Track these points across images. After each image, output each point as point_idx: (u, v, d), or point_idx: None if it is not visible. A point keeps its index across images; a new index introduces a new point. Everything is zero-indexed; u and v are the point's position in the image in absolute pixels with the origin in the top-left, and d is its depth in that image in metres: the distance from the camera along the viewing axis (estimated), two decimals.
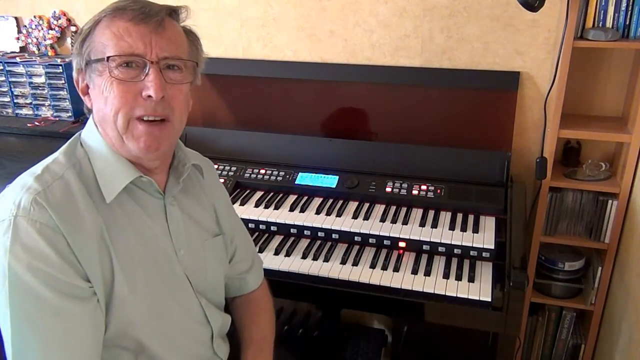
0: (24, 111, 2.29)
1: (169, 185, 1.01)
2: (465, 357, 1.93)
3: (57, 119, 2.23)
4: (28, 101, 2.26)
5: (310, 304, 2.01)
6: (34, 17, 2.29)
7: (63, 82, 2.17)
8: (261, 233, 1.66)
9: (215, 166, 1.82)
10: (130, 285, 0.90)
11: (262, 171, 1.83)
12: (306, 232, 1.62)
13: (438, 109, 1.90)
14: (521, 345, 1.98)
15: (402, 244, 1.55)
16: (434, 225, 1.58)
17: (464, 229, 1.55)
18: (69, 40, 2.32)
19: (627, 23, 1.57)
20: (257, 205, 1.71)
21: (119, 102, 0.86)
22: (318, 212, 1.66)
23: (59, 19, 2.26)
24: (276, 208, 1.69)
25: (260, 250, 1.56)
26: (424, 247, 1.54)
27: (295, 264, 1.50)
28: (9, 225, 0.80)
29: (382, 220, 1.61)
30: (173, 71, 0.90)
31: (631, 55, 1.72)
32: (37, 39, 2.31)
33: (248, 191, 1.80)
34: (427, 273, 1.45)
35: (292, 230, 1.63)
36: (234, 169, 1.85)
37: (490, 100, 1.84)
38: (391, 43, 1.92)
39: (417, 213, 1.64)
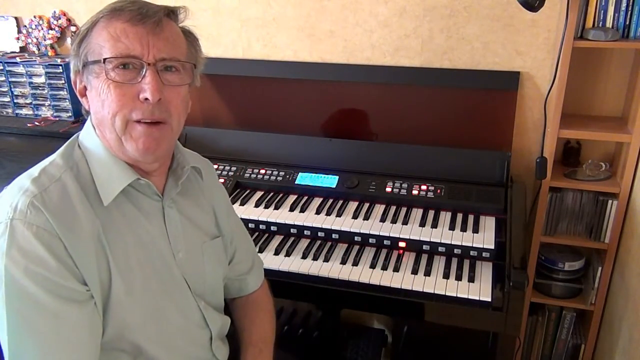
0: (24, 111, 2.29)
1: (168, 187, 1.00)
2: (465, 357, 1.93)
3: (57, 119, 2.23)
4: (28, 101, 2.26)
5: (310, 304, 2.01)
6: (34, 17, 2.29)
7: (63, 82, 2.17)
8: (261, 233, 1.66)
9: (215, 166, 1.83)
10: (127, 288, 0.90)
11: (262, 171, 1.82)
12: (306, 232, 1.62)
13: (438, 109, 1.90)
14: (521, 345, 1.98)
15: (402, 244, 1.55)
16: (434, 225, 1.58)
17: (464, 229, 1.55)
18: (69, 40, 2.32)
19: (627, 23, 1.57)
20: (257, 205, 1.71)
21: (116, 106, 0.85)
22: (318, 212, 1.66)
23: (59, 19, 2.26)
24: (276, 208, 1.69)
25: (260, 250, 1.56)
26: (424, 247, 1.54)
27: (295, 264, 1.50)
28: (5, 229, 0.80)
29: (382, 220, 1.61)
30: (171, 73, 0.89)
31: (631, 55, 1.72)
32: (37, 39, 2.31)
33: (248, 191, 1.80)
34: (427, 273, 1.45)
35: (292, 230, 1.63)
36: (234, 169, 1.85)
37: (490, 100, 1.84)
38: (391, 43, 1.92)
39: (417, 213, 1.64)
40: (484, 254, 1.50)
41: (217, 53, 2.10)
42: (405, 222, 1.59)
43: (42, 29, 2.29)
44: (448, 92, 1.88)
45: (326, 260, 1.52)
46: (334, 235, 1.60)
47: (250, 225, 1.65)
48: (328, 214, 1.65)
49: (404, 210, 1.66)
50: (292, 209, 1.67)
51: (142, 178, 0.93)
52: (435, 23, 1.85)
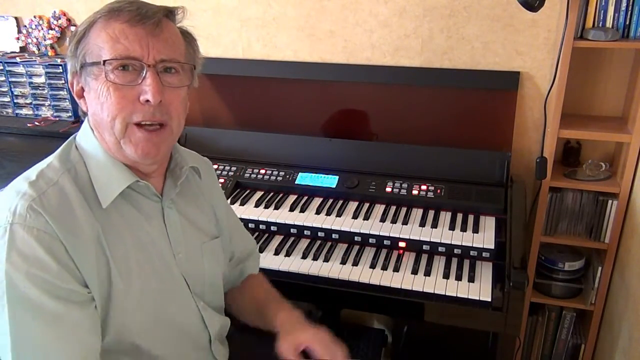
0: (24, 111, 2.29)
1: (166, 188, 1.00)
2: (465, 357, 1.93)
3: (57, 119, 2.24)
4: (28, 101, 2.26)
5: (310, 304, 2.00)
6: (34, 17, 2.29)
7: (63, 82, 2.18)
8: (261, 233, 1.66)
9: (215, 166, 1.83)
10: (127, 290, 0.90)
11: (262, 171, 1.82)
12: (306, 232, 1.62)
13: (438, 109, 1.90)
14: (521, 345, 1.98)
15: (402, 244, 1.55)
16: (434, 225, 1.58)
17: (464, 229, 1.55)
18: (68, 40, 2.32)
19: (627, 23, 1.57)
20: (257, 205, 1.71)
21: (116, 108, 0.85)
22: (318, 212, 1.66)
23: (59, 19, 2.26)
24: (276, 208, 1.69)
25: (260, 250, 1.56)
26: (424, 247, 1.54)
27: (295, 264, 1.50)
28: (4, 233, 0.79)
29: (382, 220, 1.61)
30: (170, 74, 0.89)
31: (631, 55, 1.72)
32: (37, 39, 2.31)
33: (248, 191, 1.80)
34: (427, 273, 1.45)
35: (292, 230, 1.63)
36: (234, 169, 1.85)
37: (490, 100, 1.84)
38: (391, 43, 1.92)
39: (417, 213, 1.64)
40: (484, 254, 1.50)
41: (217, 53, 2.10)
42: (405, 222, 1.59)
43: (42, 29, 2.29)
44: (448, 92, 1.88)
45: (326, 260, 1.52)
46: (334, 235, 1.60)
47: (250, 225, 1.65)
48: (328, 214, 1.65)
49: (404, 210, 1.66)
50: (292, 209, 1.67)
51: (141, 180, 0.93)
52: (435, 23, 1.85)
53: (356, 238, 1.59)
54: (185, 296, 1.02)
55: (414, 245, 1.54)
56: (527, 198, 1.77)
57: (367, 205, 1.69)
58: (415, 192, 1.69)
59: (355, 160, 1.80)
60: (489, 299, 1.35)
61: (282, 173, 1.81)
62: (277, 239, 1.62)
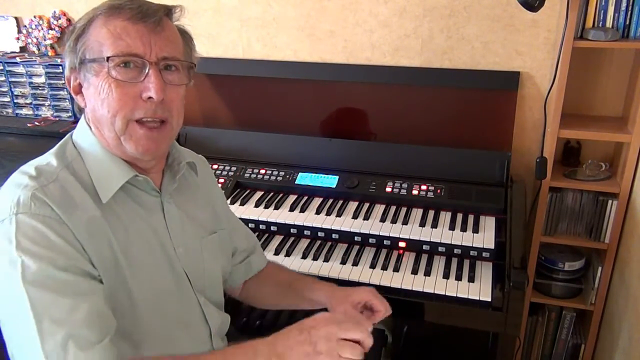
0: (24, 111, 2.29)
1: (165, 183, 1.00)
2: (465, 357, 1.92)
3: (57, 119, 2.24)
4: (28, 101, 2.26)
5: None
6: (34, 17, 2.29)
7: (63, 82, 2.17)
8: (261, 233, 1.66)
9: (215, 166, 1.84)
10: (132, 280, 0.90)
11: (262, 171, 1.83)
12: (306, 232, 1.62)
13: (438, 109, 1.90)
14: (521, 345, 1.98)
15: (402, 244, 1.55)
16: (434, 225, 1.58)
17: (464, 229, 1.55)
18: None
19: (627, 23, 1.57)
20: (257, 205, 1.71)
21: (118, 105, 0.85)
22: (318, 212, 1.66)
23: (59, 19, 2.26)
24: (276, 208, 1.69)
25: None
26: (424, 247, 1.54)
27: (295, 264, 1.50)
28: (10, 223, 0.78)
29: (382, 220, 1.61)
30: (171, 72, 0.90)
31: (631, 55, 1.72)
32: (37, 39, 2.31)
33: (248, 191, 1.80)
34: (427, 273, 1.45)
35: (292, 230, 1.63)
36: (234, 169, 1.85)
37: (490, 100, 1.84)
38: (391, 43, 1.92)
39: (417, 213, 1.64)
40: (484, 254, 1.50)
41: (217, 53, 2.10)
42: (405, 222, 1.59)
43: (42, 29, 2.29)
44: (448, 92, 1.88)
45: (326, 260, 1.52)
46: (334, 235, 1.60)
47: (250, 225, 1.65)
48: (328, 214, 1.65)
49: (404, 210, 1.66)
50: (292, 209, 1.67)
51: (140, 174, 0.93)
52: (435, 23, 1.85)
53: (356, 238, 1.59)
54: (186, 290, 1.02)
55: (414, 245, 1.54)
56: (527, 198, 1.76)
57: (367, 205, 1.69)
58: (415, 192, 1.69)
59: (355, 160, 1.80)
60: (489, 299, 1.35)
61: (282, 173, 1.81)
62: (277, 239, 1.62)
